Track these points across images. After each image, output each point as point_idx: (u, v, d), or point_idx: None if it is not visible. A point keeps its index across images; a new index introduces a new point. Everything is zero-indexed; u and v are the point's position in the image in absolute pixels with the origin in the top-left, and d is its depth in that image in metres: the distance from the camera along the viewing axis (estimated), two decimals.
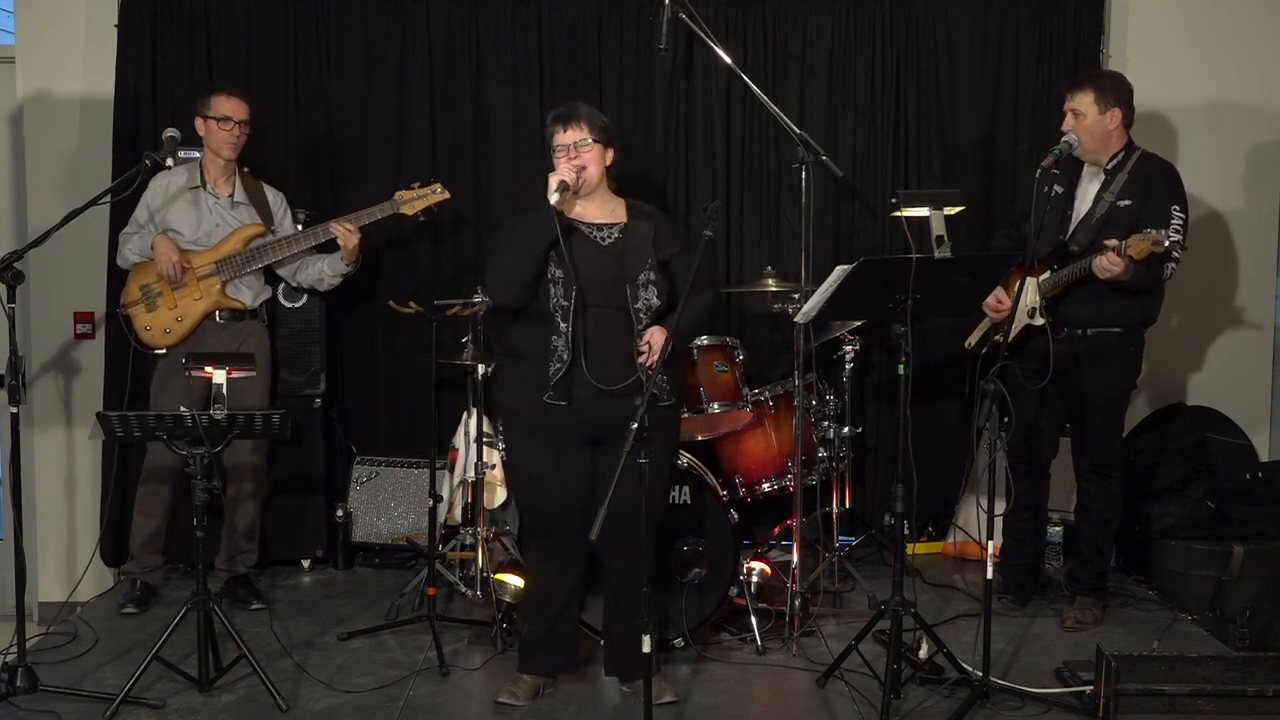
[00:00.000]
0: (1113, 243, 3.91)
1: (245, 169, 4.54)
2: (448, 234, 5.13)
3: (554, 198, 3.38)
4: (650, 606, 3.09)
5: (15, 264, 3.60)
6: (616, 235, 3.54)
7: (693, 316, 3.53)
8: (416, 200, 4.51)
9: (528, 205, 3.55)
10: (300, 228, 4.62)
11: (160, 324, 4.38)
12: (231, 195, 4.48)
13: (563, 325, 3.42)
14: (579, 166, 3.46)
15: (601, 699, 3.71)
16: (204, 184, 4.45)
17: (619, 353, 3.44)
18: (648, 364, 3.36)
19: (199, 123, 4.44)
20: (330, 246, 4.55)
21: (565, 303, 3.42)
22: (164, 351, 4.41)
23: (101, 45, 4.93)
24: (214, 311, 4.42)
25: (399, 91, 5.09)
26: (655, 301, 3.48)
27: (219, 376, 3.65)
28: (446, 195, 4.55)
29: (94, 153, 4.90)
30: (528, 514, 3.79)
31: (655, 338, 3.40)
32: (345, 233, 4.44)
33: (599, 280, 3.46)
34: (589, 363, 3.42)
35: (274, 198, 4.60)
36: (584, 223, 3.53)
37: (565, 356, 3.42)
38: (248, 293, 4.49)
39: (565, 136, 3.50)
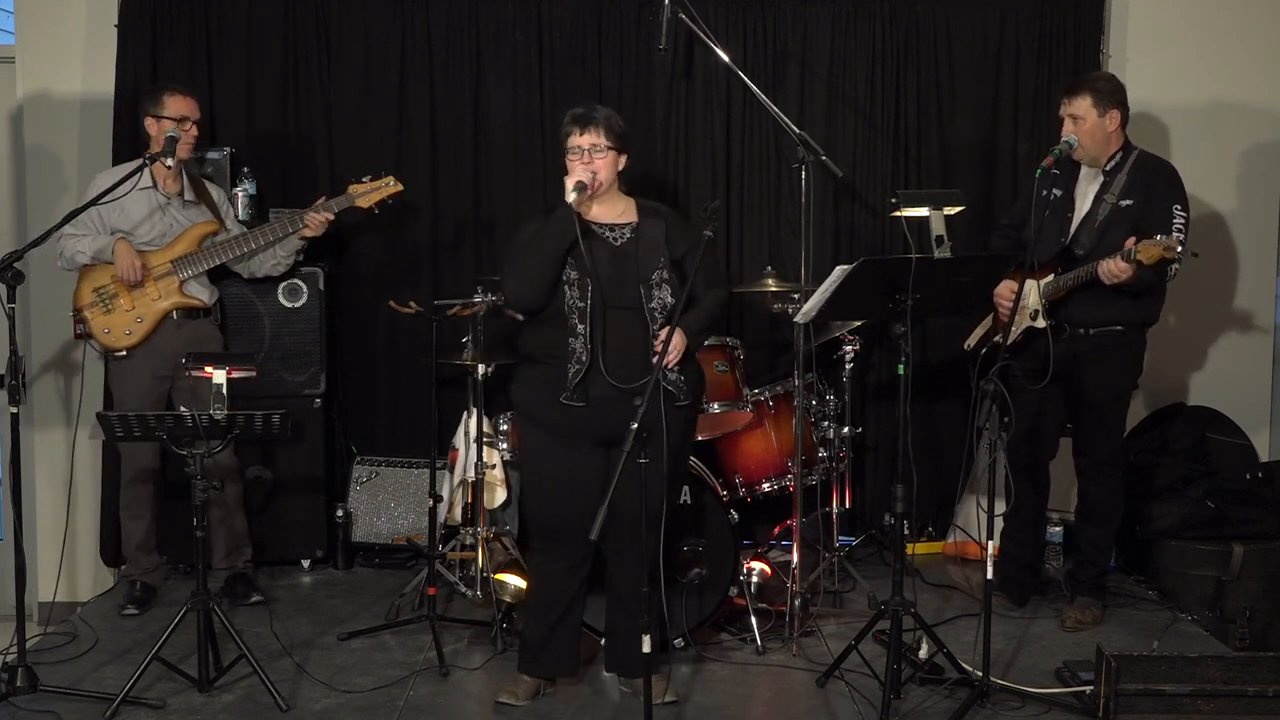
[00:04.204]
0: (1130, 242, 3.90)
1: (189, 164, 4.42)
2: (448, 234, 5.13)
3: (571, 197, 3.40)
4: (650, 605, 3.10)
5: (15, 264, 3.61)
6: (628, 235, 3.55)
7: (711, 314, 3.58)
8: (371, 193, 4.49)
9: (545, 210, 3.58)
10: (240, 222, 4.59)
11: (120, 325, 4.29)
12: (181, 194, 4.40)
13: (580, 327, 3.43)
14: (592, 170, 3.46)
15: (601, 699, 3.71)
16: (154, 185, 4.34)
17: (636, 352, 3.45)
18: (664, 363, 3.37)
19: (150, 123, 4.32)
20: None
21: (582, 304, 3.44)
22: (124, 353, 4.32)
23: (101, 45, 4.93)
24: (172, 311, 4.36)
25: (399, 91, 5.09)
26: (669, 300, 3.49)
27: (219, 376, 3.64)
28: (399, 188, 4.53)
29: (94, 153, 4.90)
30: (536, 514, 3.76)
31: (670, 336, 3.41)
32: (322, 222, 4.43)
33: (613, 280, 3.47)
34: (607, 363, 3.43)
35: (218, 194, 4.56)
36: (595, 224, 3.54)
37: (585, 358, 3.43)
38: (205, 291, 4.45)
39: (581, 140, 3.49)
